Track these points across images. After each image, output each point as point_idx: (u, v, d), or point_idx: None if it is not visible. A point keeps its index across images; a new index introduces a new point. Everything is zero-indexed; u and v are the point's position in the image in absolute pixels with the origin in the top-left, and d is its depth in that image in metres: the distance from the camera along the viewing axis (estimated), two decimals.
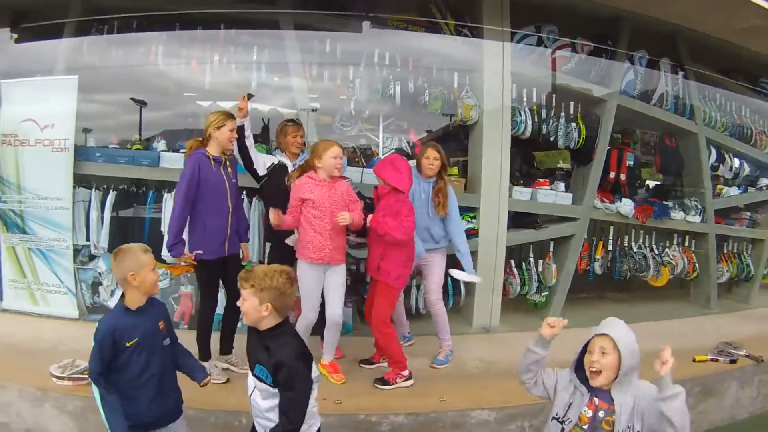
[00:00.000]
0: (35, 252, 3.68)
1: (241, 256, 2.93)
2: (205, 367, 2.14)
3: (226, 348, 2.97)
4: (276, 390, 1.66)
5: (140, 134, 3.95)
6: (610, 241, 4.32)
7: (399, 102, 3.66)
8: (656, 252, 4.45)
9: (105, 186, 3.74)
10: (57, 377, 2.70)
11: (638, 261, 4.38)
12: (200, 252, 2.67)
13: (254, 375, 1.72)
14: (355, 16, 3.77)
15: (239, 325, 2.93)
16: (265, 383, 1.68)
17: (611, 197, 4.23)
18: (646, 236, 4.46)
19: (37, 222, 3.65)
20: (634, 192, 4.39)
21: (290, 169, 3.04)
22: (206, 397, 2.52)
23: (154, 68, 3.82)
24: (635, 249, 4.42)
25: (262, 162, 3.04)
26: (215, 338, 2.93)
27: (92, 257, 3.73)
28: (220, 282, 2.86)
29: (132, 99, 3.95)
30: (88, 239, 3.70)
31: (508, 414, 2.71)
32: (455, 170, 3.76)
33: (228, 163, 2.78)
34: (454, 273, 3.10)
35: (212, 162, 2.69)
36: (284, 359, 1.63)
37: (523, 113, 3.80)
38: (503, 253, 3.75)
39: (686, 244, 4.54)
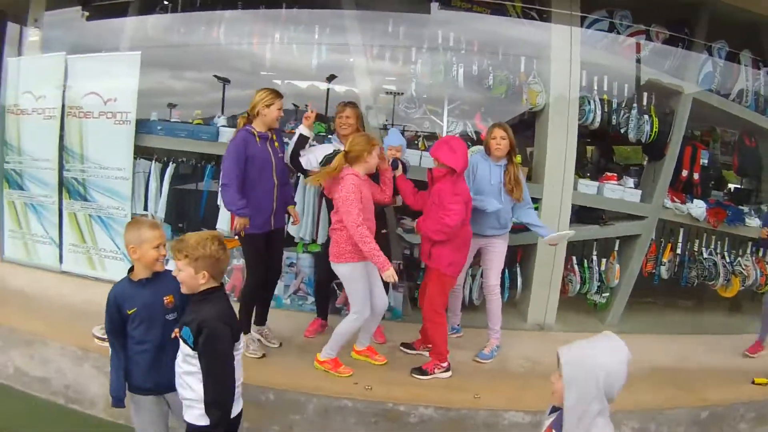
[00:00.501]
0: (95, 219, 3.80)
1: (286, 229, 2.94)
2: None
3: (259, 319, 2.98)
4: (195, 353, 1.64)
5: (222, 111, 3.97)
6: (679, 245, 4.01)
7: (462, 85, 3.54)
8: (728, 260, 4.09)
9: (165, 158, 3.84)
10: (98, 338, 2.76)
11: (707, 268, 4.04)
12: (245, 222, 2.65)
13: (180, 336, 1.70)
14: None
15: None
16: (187, 344, 1.66)
17: (683, 197, 3.92)
18: (718, 242, 4.10)
19: (98, 191, 3.77)
20: (707, 193, 4.04)
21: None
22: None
23: (238, 48, 3.89)
24: (705, 255, 4.07)
25: (315, 158, 2.94)
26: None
27: None
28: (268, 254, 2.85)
29: (215, 76, 3.98)
30: (146, 209, 3.79)
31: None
32: (519, 158, 3.59)
33: (274, 137, 2.78)
34: (549, 237, 2.95)
35: (258, 139, 2.68)
36: (207, 319, 1.63)
37: (592, 102, 3.58)
38: (564, 247, 3.54)
39: (761, 254, 4.15)
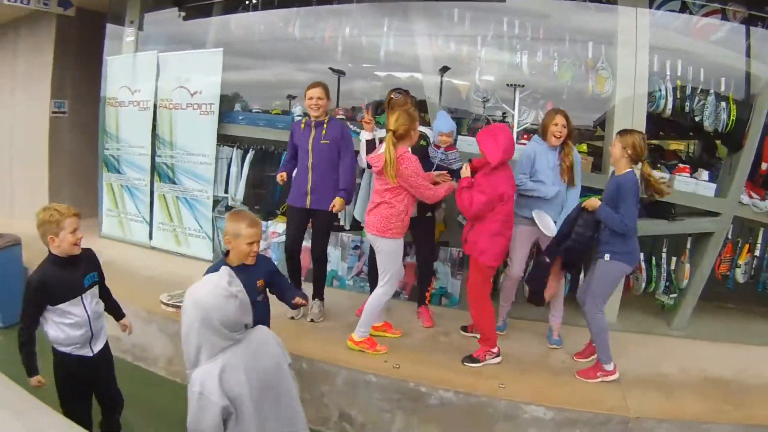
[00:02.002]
0: (182, 200, 4.21)
1: (329, 209, 3.08)
2: (300, 292, 2.38)
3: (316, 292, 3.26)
4: None
5: (337, 104, 4.16)
6: (758, 246, 3.74)
7: (527, 72, 3.55)
8: None
9: (246, 145, 4.17)
10: (164, 303, 3.01)
11: None
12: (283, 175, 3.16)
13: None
14: None
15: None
16: None
17: (762, 193, 3.67)
18: None
19: (185, 174, 4.18)
20: None
21: None
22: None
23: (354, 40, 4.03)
24: None
25: (362, 152, 3.12)
26: None
27: (229, 208, 4.18)
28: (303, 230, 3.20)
29: (330, 69, 4.16)
30: (226, 192, 4.14)
31: (566, 417, 2.49)
32: (584, 147, 3.56)
33: (326, 126, 3.05)
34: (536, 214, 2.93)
35: (303, 126, 3.07)
36: None
37: (663, 88, 3.46)
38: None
39: None
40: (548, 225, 2.92)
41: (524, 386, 2.65)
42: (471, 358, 2.82)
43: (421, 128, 3.20)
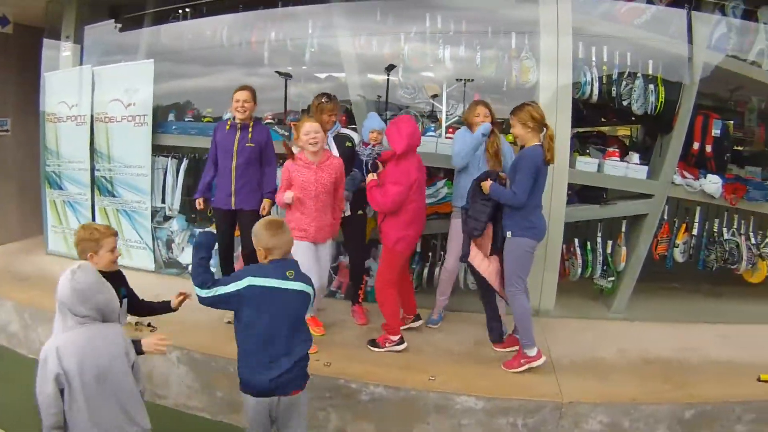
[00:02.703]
0: (122, 213, 4.20)
1: (258, 210, 3.14)
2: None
3: None
4: None
5: (285, 107, 4.16)
6: (696, 225, 3.75)
7: (450, 67, 3.54)
8: (753, 242, 3.77)
9: (180, 155, 4.16)
10: None
11: (729, 250, 3.74)
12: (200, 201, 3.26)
13: None
14: None
15: None
16: None
17: (696, 172, 3.67)
18: (743, 221, 3.79)
19: (123, 187, 4.16)
20: (723, 167, 3.73)
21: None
22: (210, 343, 2.85)
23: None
24: (727, 236, 3.77)
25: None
26: None
27: (167, 218, 4.17)
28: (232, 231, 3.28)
29: (277, 72, 4.13)
30: (163, 202, 4.13)
31: (498, 406, 2.49)
32: (510, 137, 3.53)
33: (251, 129, 3.09)
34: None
35: (228, 127, 3.12)
36: None
37: (588, 74, 3.45)
38: (561, 228, 3.45)
39: None
40: None
41: (454, 377, 2.66)
42: (374, 342, 2.91)
43: (345, 131, 3.23)
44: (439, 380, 2.62)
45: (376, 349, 2.89)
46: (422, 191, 2.90)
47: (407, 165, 2.75)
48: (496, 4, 3.62)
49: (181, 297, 2.27)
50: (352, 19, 3.71)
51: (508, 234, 2.67)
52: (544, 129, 2.65)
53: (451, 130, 3.64)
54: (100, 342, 1.68)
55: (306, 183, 2.77)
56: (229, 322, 3.20)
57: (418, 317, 3.17)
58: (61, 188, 4.47)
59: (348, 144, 3.16)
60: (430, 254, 3.80)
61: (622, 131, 4.92)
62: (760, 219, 3.81)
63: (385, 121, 3.40)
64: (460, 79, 3.71)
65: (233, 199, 3.11)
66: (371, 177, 2.85)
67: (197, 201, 3.25)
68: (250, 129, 3.10)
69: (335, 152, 3.09)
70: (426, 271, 3.70)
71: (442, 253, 3.64)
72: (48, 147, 4.53)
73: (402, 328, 3.02)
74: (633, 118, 4.39)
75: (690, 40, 3.55)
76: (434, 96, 3.82)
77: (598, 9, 3.51)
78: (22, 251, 4.80)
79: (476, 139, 2.95)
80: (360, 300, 3.36)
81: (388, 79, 3.86)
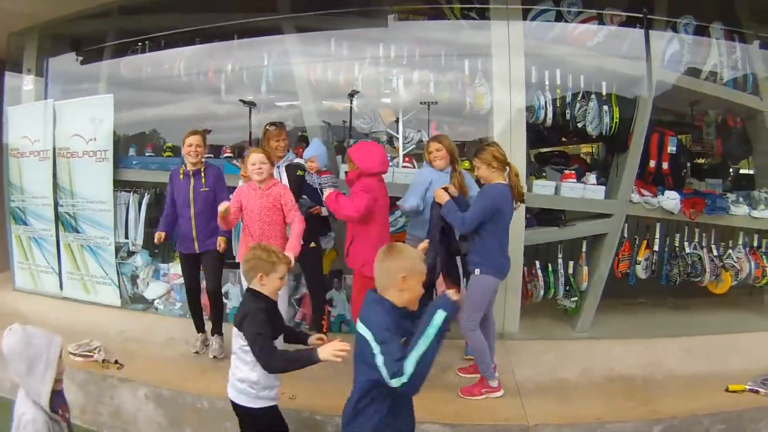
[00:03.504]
0: (86, 248, 4.17)
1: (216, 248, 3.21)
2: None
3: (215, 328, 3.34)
4: None
5: (250, 136, 4.15)
6: (656, 241, 3.77)
7: (404, 95, 3.55)
8: (716, 254, 3.81)
9: (141, 190, 4.14)
10: (71, 353, 3.14)
11: (692, 264, 3.77)
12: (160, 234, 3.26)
13: None
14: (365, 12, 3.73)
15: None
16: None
17: (654, 189, 3.70)
18: (703, 235, 3.82)
19: (86, 222, 4.13)
20: (681, 183, 3.77)
21: (275, 173, 3.10)
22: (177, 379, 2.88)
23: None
24: (689, 250, 3.80)
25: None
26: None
27: (131, 253, 4.14)
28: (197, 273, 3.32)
29: (241, 101, 4.12)
30: (127, 237, 4.10)
31: None
32: (466, 164, 3.55)
33: (204, 174, 3.16)
34: None
35: (182, 176, 3.17)
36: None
37: (542, 98, 3.47)
38: (520, 252, 3.46)
39: (755, 244, 3.82)
40: None
41: (418, 405, 2.58)
42: None
43: (298, 160, 3.27)
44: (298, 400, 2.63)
45: None
46: (387, 217, 2.91)
47: (373, 183, 2.77)
48: (448, 30, 3.63)
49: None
50: (307, 47, 3.72)
51: (477, 271, 2.68)
52: (507, 168, 2.69)
53: (407, 158, 3.66)
54: None
55: (251, 206, 2.85)
56: (196, 353, 3.27)
57: None
58: (26, 224, 4.44)
59: (299, 172, 3.18)
60: None
61: (585, 149, 4.96)
62: (722, 231, 3.85)
63: (344, 148, 3.42)
64: (424, 102, 3.73)
65: (196, 244, 3.19)
66: (328, 191, 2.84)
67: (157, 234, 3.26)
68: (203, 174, 3.17)
69: (284, 181, 3.12)
70: None
71: None
72: (12, 182, 4.50)
73: None
74: (591, 136, 4.45)
75: (644, 59, 3.58)
76: (394, 122, 3.84)
77: (550, 33, 3.54)
78: None
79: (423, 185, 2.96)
80: (324, 331, 3.33)
81: (351, 106, 3.87)
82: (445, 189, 2.72)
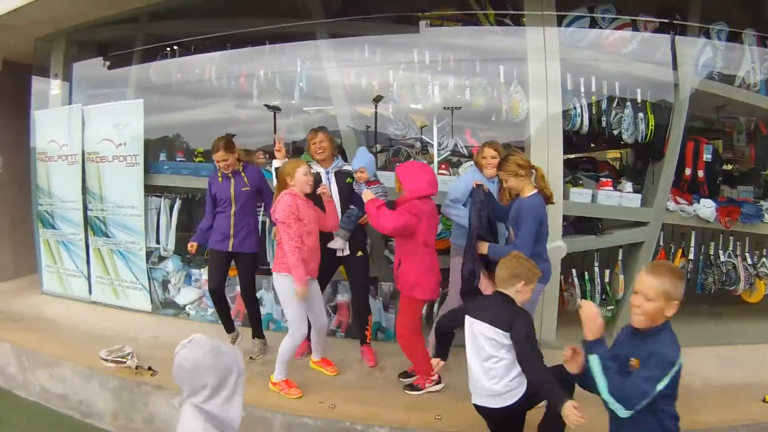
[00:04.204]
0: (116, 253, 4.17)
1: (256, 253, 3.28)
2: None
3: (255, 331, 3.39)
4: None
5: (274, 140, 4.09)
6: (692, 249, 3.75)
7: (440, 102, 3.54)
8: (750, 262, 3.78)
9: (173, 195, 4.14)
10: (103, 359, 3.13)
11: (726, 272, 3.75)
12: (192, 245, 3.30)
13: None
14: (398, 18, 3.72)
15: None
16: None
17: (689, 198, 3.68)
18: (738, 243, 3.80)
19: (116, 227, 4.13)
20: (716, 191, 3.75)
21: (323, 177, 3.10)
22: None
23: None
24: (723, 258, 3.77)
25: None
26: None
27: (162, 258, 4.14)
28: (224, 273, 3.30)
29: (266, 105, 4.19)
30: (158, 242, 4.10)
31: None
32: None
33: (244, 173, 3.19)
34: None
35: (220, 179, 3.20)
36: None
37: (578, 106, 3.46)
38: (559, 260, 3.43)
39: None
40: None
41: (460, 416, 2.62)
42: (412, 387, 2.88)
43: (347, 167, 3.21)
44: (445, 420, 2.62)
45: (416, 393, 2.86)
46: (433, 238, 2.82)
47: (420, 206, 2.69)
48: (483, 36, 3.61)
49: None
50: (340, 53, 3.72)
51: None
52: (533, 171, 2.65)
53: (443, 165, 3.64)
54: None
55: (309, 217, 2.78)
56: (251, 358, 3.26)
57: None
58: (54, 228, 4.45)
59: (348, 180, 3.14)
60: None
61: (612, 155, 4.94)
62: (756, 239, 3.83)
63: (374, 154, 3.40)
64: (448, 108, 3.72)
65: (231, 241, 3.17)
66: (367, 195, 2.77)
67: (190, 244, 3.27)
68: (243, 173, 3.18)
69: (334, 188, 3.08)
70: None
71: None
72: (40, 186, 4.51)
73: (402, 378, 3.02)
74: (622, 143, 4.43)
75: (676, 66, 3.56)
76: (422, 127, 3.82)
77: (585, 39, 3.52)
78: (16, 291, 4.78)
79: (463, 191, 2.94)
80: (368, 341, 3.32)
81: (375, 111, 3.86)
82: (479, 185, 2.71)
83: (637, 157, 4.31)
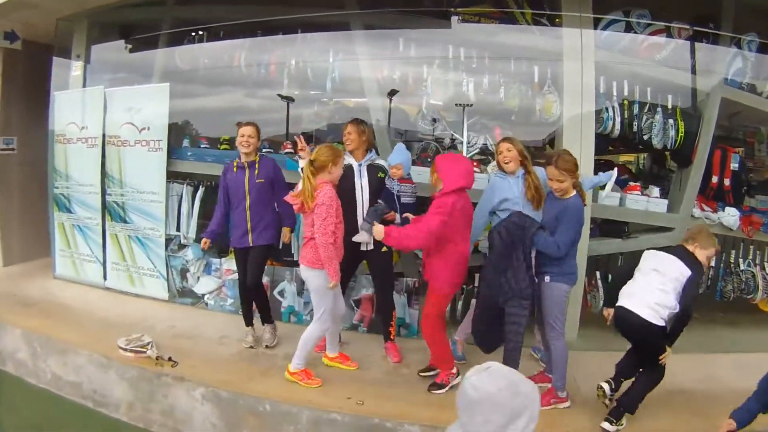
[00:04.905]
0: (134, 239, 4.10)
1: (276, 245, 3.30)
2: None
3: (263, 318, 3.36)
4: None
5: (287, 129, 4.18)
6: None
7: (474, 99, 3.54)
8: None
9: (196, 182, 4.09)
10: (122, 348, 3.05)
11: (745, 281, 3.79)
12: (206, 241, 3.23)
13: None
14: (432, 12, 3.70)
15: None
16: None
17: (714, 205, 3.71)
18: (758, 252, 3.84)
19: (135, 213, 4.07)
20: (741, 200, 3.79)
21: (355, 170, 3.05)
22: (236, 380, 2.84)
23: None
24: (743, 266, 3.82)
25: None
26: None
27: (182, 246, 4.08)
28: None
29: (279, 95, 4.15)
30: (178, 230, 4.04)
31: None
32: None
33: (258, 165, 3.14)
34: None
35: (235, 169, 3.14)
36: None
37: (611, 109, 3.47)
38: (584, 262, 3.44)
39: None
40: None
41: None
42: (437, 385, 2.83)
43: (380, 161, 3.17)
44: None
45: (442, 391, 2.80)
46: (467, 232, 2.76)
47: (451, 202, 2.61)
48: (518, 36, 3.61)
49: None
50: (372, 46, 3.70)
51: (546, 279, 2.65)
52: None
53: (475, 163, 3.64)
54: None
55: (339, 210, 2.74)
56: (251, 347, 3.24)
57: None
58: (70, 211, 4.37)
59: (380, 174, 3.11)
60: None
61: (625, 158, 4.97)
62: None
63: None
64: (459, 104, 3.72)
65: (250, 236, 3.16)
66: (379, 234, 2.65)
67: (203, 240, 3.23)
68: (257, 165, 3.15)
69: (365, 181, 3.05)
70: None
71: (465, 287, 3.62)
72: (57, 168, 4.43)
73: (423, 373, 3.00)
74: (640, 147, 4.46)
75: (709, 74, 3.61)
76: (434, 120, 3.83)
77: (620, 44, 3.54)
78: (27, 274, 4.69)
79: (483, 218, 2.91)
80: (392, 337, 3.28)
81: (390, 106, 3.84)
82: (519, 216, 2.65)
83: (654, 161, 4.36)
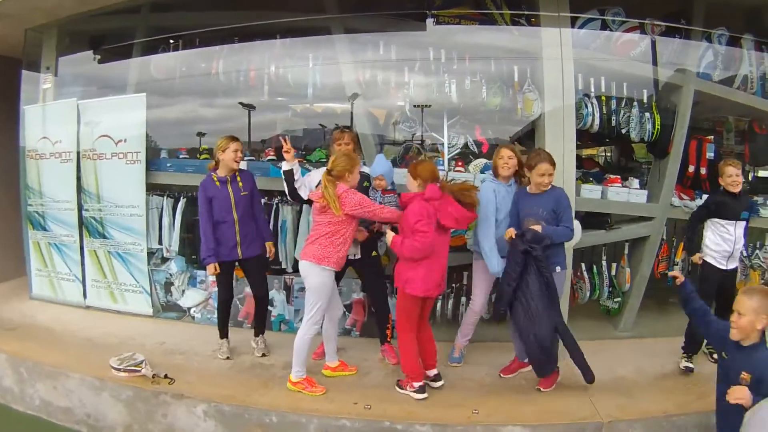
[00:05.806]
0: (114, 255, 3.98)
1: (266, 254, 3.28)
2: None
3: (255, 331, 3.36)
4: None
5: (249, 137, 4.13)
6: None
7: (456, 100, 3.56)
8: (745, 254, 3.94)
9: (176, 193, 3.99)
10: (114, 368, 2.94)
11: None
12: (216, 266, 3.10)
13: None
14: (410, 15, 3.71)
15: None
16: None
17: (691, 193, 3.82)
18: None
19: (114, 228, 3.95)
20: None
21: None
22: (239, 393, 2.79)
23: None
24: None
25: (309, 183, 3.10)
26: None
27: (164, 259, 3.98)
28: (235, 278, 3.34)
29: (240, 103, 4.12)
30: (160, 243, 3.94)
31: None
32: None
33: (239, 178, 3.12)
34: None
35: (217, 183, 3.07)
36: None
37: (590, 105, 3.54)
38: (570, 254, 3.48)
39: None
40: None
41: (496, 409, 2.69)
42: (398, 384, 2.88)
43: (365, 169, 3.15)
44: (482, 413, 2.64)
45: (401, 391, 2.83)
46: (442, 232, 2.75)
47: (431, 210, 2.65)
48: (497, 37, 3.65)
49: None
50: (355, 52, 3.68)
51: (558, 269, 2.86)
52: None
53: (459, 162, 3.66)
54: None
55: None
56: (264, 355, 3.25)
57: (438, 377, 2.92)
58: (45, 229, 4.21)
59: (365, 184, 3.08)
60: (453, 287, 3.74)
61: (589, 152, 5.07)
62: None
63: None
64: (417, 105, 3.73)
65: (239, 249, 3.13)
66: (390, 237, 2.75)
67: (213, 266, 3.06)
68: (239, 178, 3.12)
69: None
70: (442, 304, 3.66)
71: (454, 286, 3.63)
72: (29, 185, 4.27)
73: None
74: (607, 140, 4.55)
75: (682, 68, 3.71)
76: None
77: (597, 42, 3.61)
78: (2, 296, 4.49)
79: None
80: (388, 339, 3.27)
81: (351, 109, 3.81)
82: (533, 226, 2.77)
83: (621, 153, 4.48)
